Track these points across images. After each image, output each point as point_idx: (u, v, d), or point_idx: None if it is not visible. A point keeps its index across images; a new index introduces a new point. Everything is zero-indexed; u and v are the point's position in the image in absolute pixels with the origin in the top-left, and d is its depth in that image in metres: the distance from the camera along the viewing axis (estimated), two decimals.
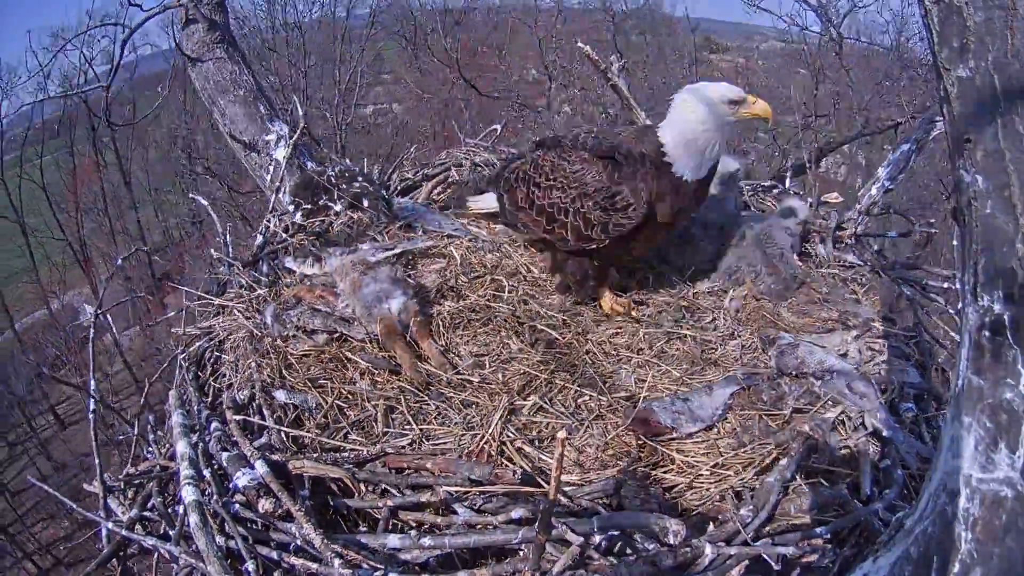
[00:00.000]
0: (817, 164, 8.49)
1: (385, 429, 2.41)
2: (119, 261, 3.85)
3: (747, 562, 1.85)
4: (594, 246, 2.90)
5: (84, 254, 17.87)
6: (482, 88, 11.95)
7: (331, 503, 2.16)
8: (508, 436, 2.32)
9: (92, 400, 2.71)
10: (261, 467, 2.13)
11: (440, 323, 2.96)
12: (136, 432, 2.78)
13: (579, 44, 4.86)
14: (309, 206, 3.86)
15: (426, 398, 2.54)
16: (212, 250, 3.70)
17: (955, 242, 1.57)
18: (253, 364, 2.68)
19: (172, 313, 3.44)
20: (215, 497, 2.10)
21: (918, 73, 8.80)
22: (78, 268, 18.21)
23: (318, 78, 14.73)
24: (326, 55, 15.17)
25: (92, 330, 3.01)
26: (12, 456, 15.24)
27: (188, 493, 2.04)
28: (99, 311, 3.17)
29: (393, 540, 1.97)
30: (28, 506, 13.24)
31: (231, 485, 2.14)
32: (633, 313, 3.09)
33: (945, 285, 3.19)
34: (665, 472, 2.22)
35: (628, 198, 2.79)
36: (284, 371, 2.68)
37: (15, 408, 15.61)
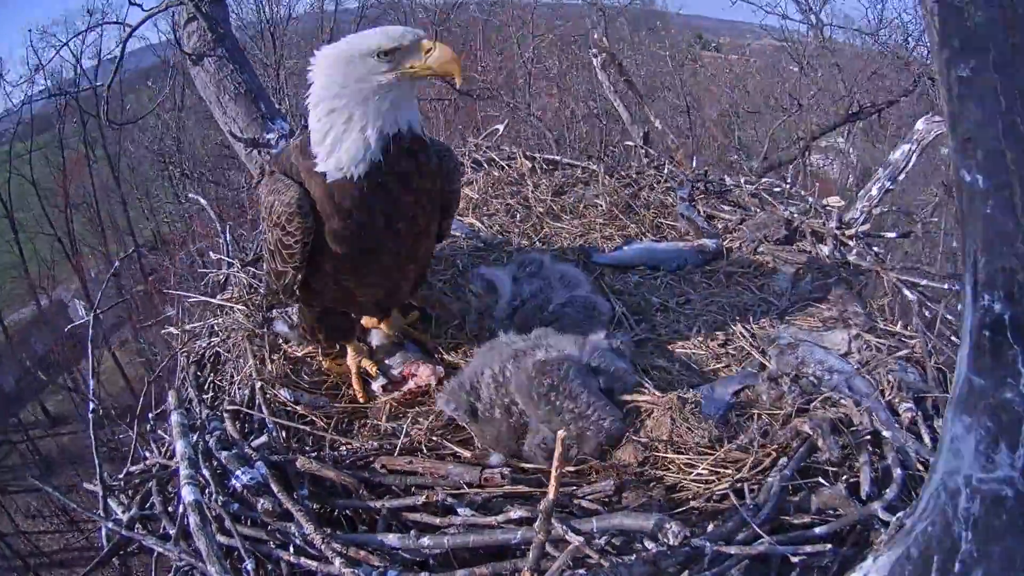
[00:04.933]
0: (804, 154, 8.50)
1: (386, 428, 2.42)
2: (116, 264, 3.85)
3: (747, 562, 1.85)
4: (289, 278, 2.38)
5: (74, 249, 17.77)
6: (469, 89, 11.77)
7: (330, 502, 2.16)
8: None
9: (91, 403, 2.70)
10: (261, 466, 2.12)
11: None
12: (135, 432, 2.78)
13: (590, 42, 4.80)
14: None
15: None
16: (211, 252, 3.68)
17: (955, 242, 1.57)
18: (253, 363, 2.67)
19: (171, 312, 3.43)
20: (215, 496, 2.09)
21: (899, 57, 8.86)
22: (67, 263, 18.12)
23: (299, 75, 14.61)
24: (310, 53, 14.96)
25: (90, 330, 3.00)
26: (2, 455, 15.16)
27: (188, 492, 2.03)
28: (96, 311, 3.16)
29: (392, 539, 1.96)
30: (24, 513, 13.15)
31: (231, 484, 2.14)
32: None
33: (945, 285, 3.18)
34: (665, 472, 2.22)
35: (281, 209, 2.24)
36: (284, 370, 2.68)
37: (3, 405, 15.57)
